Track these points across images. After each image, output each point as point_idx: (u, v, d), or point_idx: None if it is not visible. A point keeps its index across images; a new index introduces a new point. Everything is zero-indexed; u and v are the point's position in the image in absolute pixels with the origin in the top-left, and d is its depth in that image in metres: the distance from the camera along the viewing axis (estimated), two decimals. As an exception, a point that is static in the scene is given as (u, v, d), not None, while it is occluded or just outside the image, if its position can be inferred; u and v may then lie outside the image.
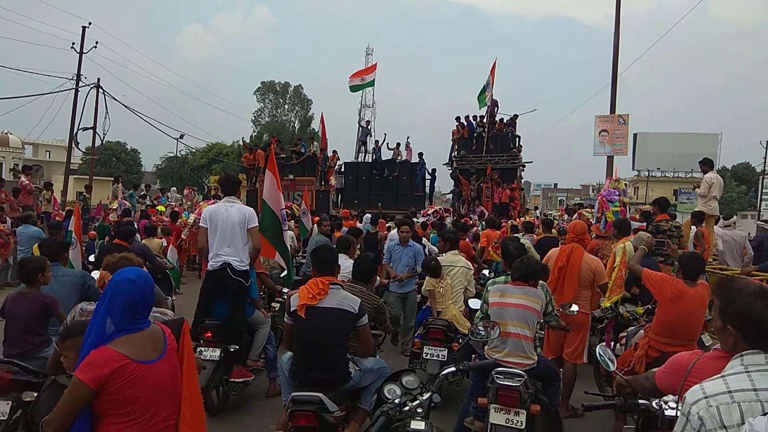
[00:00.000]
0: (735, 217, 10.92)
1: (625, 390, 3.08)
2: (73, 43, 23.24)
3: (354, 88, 23.35)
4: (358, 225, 12.97)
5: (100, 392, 2.05)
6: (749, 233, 11.72)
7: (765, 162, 44.06)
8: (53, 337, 3.85)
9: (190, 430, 2.26)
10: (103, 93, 23.65)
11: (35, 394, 3.38)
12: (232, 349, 4.92)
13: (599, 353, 3.27)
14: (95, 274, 4.69)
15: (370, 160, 23.39)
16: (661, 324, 4.24)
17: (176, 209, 14.24)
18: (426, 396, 3.19)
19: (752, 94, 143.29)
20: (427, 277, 5.90)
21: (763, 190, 46.27)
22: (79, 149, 25.46)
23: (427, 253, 8.14)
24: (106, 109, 23.62)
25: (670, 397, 2.64)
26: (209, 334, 4.87)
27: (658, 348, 4.19)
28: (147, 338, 2.20)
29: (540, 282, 4.28)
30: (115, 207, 14.57)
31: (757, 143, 44.25)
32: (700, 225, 8.61)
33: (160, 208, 14.83)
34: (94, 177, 25.81)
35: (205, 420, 2.44)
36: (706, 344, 5.11)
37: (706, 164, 9.16)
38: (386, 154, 22.40)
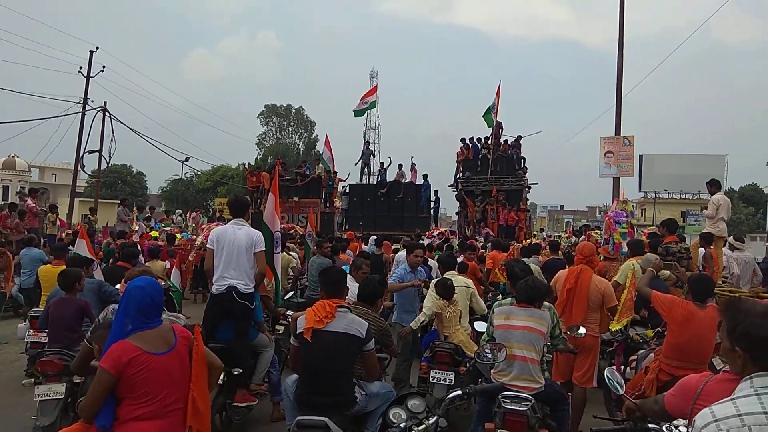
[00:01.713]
0: (745, 239, 10.84)
1: (634, 414, 3.01)
2: (81, 68, 23.76)
3: (358, 113, 23.58)
4: (364, 247, 12.96)
5: (119, 378, 2.48)
6: (755, 256, 11.60)
7: (772, 183, 43.84)
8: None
9: (195, 415, 2.63)
10: (110, 116, 24.05)
11: (84, 378, 4.06)
12: (235, 373, 4.85)
13: (608, 377, 3.21)
14: None
15: (374, 182, 23.48)
16: (671, 347, 4.18)
17: (174, 232, 14.21)
18: (432, 420, 3.14)
19: (758, 115, 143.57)
20: (434, 299, 5.84)
21: (772, 212, 46.04)
22: (85, 172, 25.79)
23: (433, 275, 8.10)
24: (113, 132, 24.04)
25: (680, 421, 2.58)
26: None
27: (669, 371, 4.12)
28: (158, 334, 2.63)
29: (547, 304, 4.23)
30: (135, 229, 14.70)
31: (764, 164, 44.13)
32: (708, 246, 8.53)
33: (154, 233, 14.81)
34: (99, 199, 26.01)
35: (210, 407, 2.83)
36: (717, 367, 5.01)
37: (714, 185, 9.12)
38: (391, 176, 22.46)
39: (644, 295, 4.75)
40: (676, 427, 2.65)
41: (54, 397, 4.27)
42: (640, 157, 41.75)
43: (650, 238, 8.41)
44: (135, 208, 17.66)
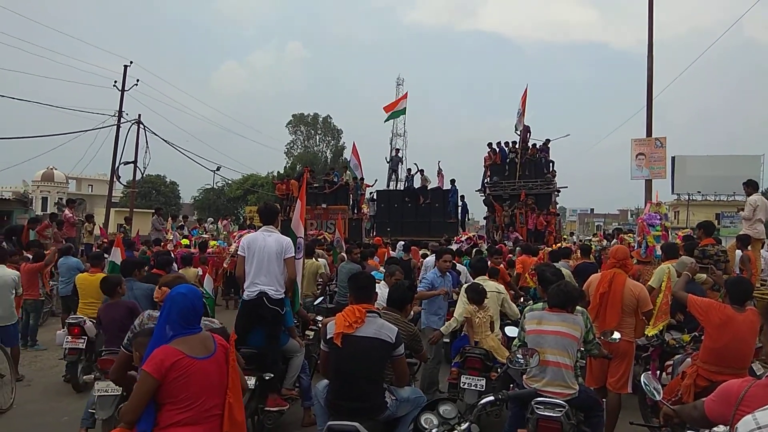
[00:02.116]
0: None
1: (672, 420, 2.94)
2: (115, 82, 24.40)
3: (393, 116, 23.85)
4: (392, 253, 12.97)
5: (162, 382, 2.50)
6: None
7: (811, 183, 42.39)
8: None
9: (232, 422, 2.66)
10: (144, 128, 24.61)
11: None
12: (266, 378, 4.91)
13: (644, 382, 3.15)
14: None
15: (402, 188, 23.49)
16: (709, 351, 4.07)
17: (207, 239, 14.46)
18: (464, 426, 3.12)
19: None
20: (465, 304, 5.81)
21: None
22: (120, 183, 26.37)
23: (462, 280, 8.06)
24: (147, 143, 24.58)
25: (721, 427, 2.50)
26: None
27: (707, 377, 4.02)
28: (199, 340, 2.69)
29: (580, 309, 4.17)
30: (170, 238, 15.02)
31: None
32: (745, 249, 8.30)
33: (185, 241, 15.05)
34: (134, 209, 26.65)
35: (244, 410, 2.87)
36: (757, 372, 4.86)
37: (751, 186, 8.87)
38: (418, 182, 22.48)
39: (680, 299, 4.64)
40: None
41: (112, 393, 4.50)
42: (672, 158, 40.87)
43: (685, 240, 8.22)
44: (170, 218, 18.00)
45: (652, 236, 8.29)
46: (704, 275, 5.99)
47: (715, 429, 2.59)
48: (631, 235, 13.89)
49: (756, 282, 8.00)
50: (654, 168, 15.31)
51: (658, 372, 5.25)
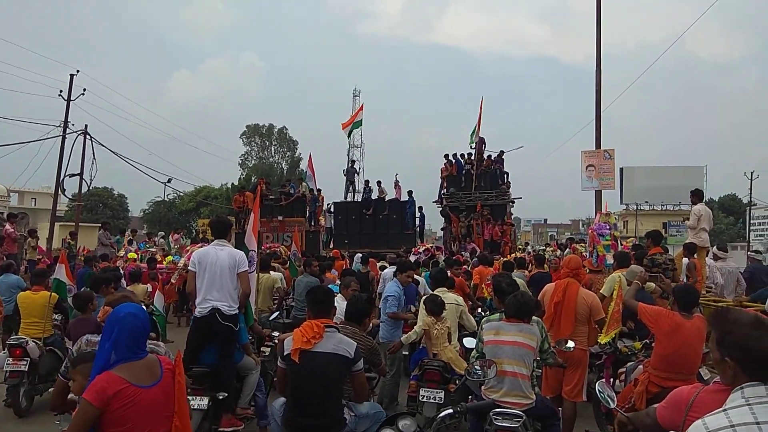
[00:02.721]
0: (728, 249, 10.97)
1: (626, 428, 2.99)
2: (61, 91, 23.51)
3: (351, 129, 23.89)
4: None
5: (104, 411, 2.37)
6: (738, 266, 11.75)
7: (751, 193, 44.79)
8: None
9: None
10: (91, 139, 23.79)
11: None
12: (220, 397, 4.75)
13: (599, 390, 3.20)
14: None
15: (359, 200, 23.44)
16: (659, 358, 4.18)
17: (156, 256, 13.95)
18: (423, 441, 3.07)
19: (735, 126, 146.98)
20: (424, 316, 5.80)
21: (751, 221, 46.88)
22: (65, 196, 25.40)
23: (421, 291, 8.06)
24: (93, 155, 23.74)
25: None
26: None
27: (658, 383, 4.11)
28: (145, 366, 2.52)
29: (535, 318, 4.21)
30: (121, 254, 14.46)
31: (742, 174, 45.12)
32: (692, 257, 8.63)
33: (132, 255, 14.55)
34: (80, 223, 25.60)
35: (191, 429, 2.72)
36: (705, 377, 5.03)
37: (696, 195, 9.27)
38: (376, 194, 22.48)
39: (630, 307, 4.76)
40: None
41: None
42: (621, 169, 42.39)
43: (634, 249, 8.48)
44: (128, 232, 17.30)
45: (602, 246, 8.53)
46: (653, 284, 6.18)
47: (651, 407, 2.65)
48: (583, 244, 14.26)
49: (702, 289, 8.33)
50: (603, 179, 15.78)
51: (612, 379, 5.36)
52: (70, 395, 3.35)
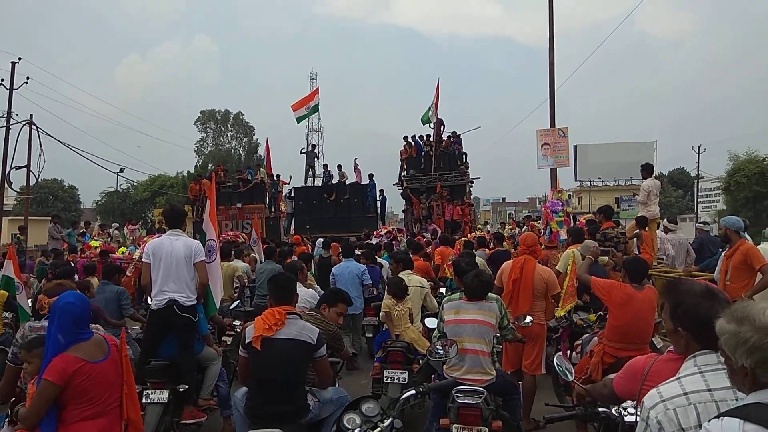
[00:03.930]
0: (678, 221, 11.39)
1: (584, 399, 3.08)
2: (2, 80, 22.37)
3: (300, 119, 23.22)
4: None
5: (65, 387, 2.71)
6: (687, 237, 12.24)
7: (698, 166, 46.56)
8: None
9: (130, 410, 2.98)
10: (37, 130, 22.74)
11: None
12: (181, 390, 4.66)
13: (557, 364, 3.28)
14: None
15: (319, 184, 23.25)
16: (613, 329, 4.31)
17: (106, 248, 13.47)
18: (387, 422, 3.11)
19: (683, 102, 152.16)
20: (385, 299, 5.82)
21: (699, 194, 48.81)
22: (12, 189, 24.23)
23: (384, 274, 8.12)
24: (41, 146, 22.68)
25: (629, 403, 2.65)
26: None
27: (613, 353, 4.25)
28: (94, 344, 2.88)
29: (494, 296, 4.29)
30: (79, 245, 13.91)
31: (690, 149, 46.86)
32: (643, 229, 8.93)
33: (94, 243, 14.08)
34: (30, 217, 24.59)
35: (138, 400, 3.18)
36: (657, 346, 5.24)
37: (645, 170, 9.57)
38: (337, 178, 22.36)
39: (584, 281, 4.89)
40: (625, 409, 2.73)
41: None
42: (575, 147, 43.31)
43: (588, 225, 8.71)
44: (55, 224, 16.46)
45: (555, 222, 8.70)
46: (605, 258, 6.36)
47: (623, 404, 2.75)
48: (540, 222, 14.56)
49: (653, 260, 8.64)
50: (558, 157, 16.05)
51: (569, 351, 5.52)
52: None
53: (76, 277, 8.17)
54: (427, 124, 21.89)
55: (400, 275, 6.26)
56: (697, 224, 12.53)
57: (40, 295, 4.42)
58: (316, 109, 23.64)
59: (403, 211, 23.78)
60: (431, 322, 5.25)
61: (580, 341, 5.32)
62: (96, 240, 14.45)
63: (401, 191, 21.96)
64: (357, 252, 8.75)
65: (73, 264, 9.91)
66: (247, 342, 3.44)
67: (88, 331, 2.89)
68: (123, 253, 13.58)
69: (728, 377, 1.65)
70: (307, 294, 5.85)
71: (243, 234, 16.34)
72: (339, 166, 22.36)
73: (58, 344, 2.76)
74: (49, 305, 4.14)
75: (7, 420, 3.76)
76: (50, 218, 16.86)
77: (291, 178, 23.17)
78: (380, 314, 5.89)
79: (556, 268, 6.35)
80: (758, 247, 5.99)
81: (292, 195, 22.57)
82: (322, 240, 13.61)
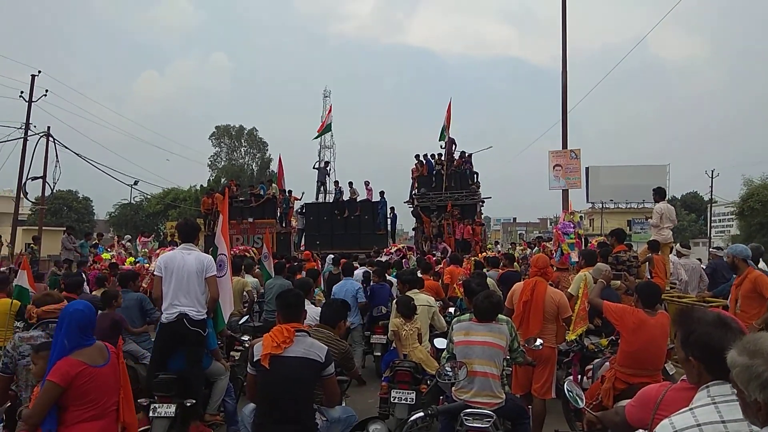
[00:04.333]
0: (691, 246, 11.27)
1: (595, 426, 3.03)
2: (22, 92, 22.81)
3: (318, 135, 23.86)
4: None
5: (67, 388, 2.89)
6: (700, 259, 12.09)
7: (712, 191, 46.19)
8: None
9: (126, 413, 3.16)
10: (54, 141, 23.11)
11: None
12: (188, 404, 4.65)
13: (567, 389, 3.24)
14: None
15: (330, 201, 23.36)
16: (625, 355, 4.25)
17: (115, 260, 13.55)
18: (394, 444, 3.07)
19: (696, 126, 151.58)
20: (392, 318, 5.80)
21: (712, 218, 48.33)
22: (28, 199, 24.62)
23: (394, 292, 8.10)
24: (57, 157, 23.03)
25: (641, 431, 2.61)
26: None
27: (624, 379, 4.19)
28: (96, 350, 3.08)
29: (504, 318, 4.25)
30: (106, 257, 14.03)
31: (704, 172, 46.54)
32: (655, 253, 8.85)
33: (105, 255, 14.17)
34: (44, 227, 24.86)
35: (133, 402, 3.39)
36: (670, 373, 5.15)
37: (658, 194, 9.49)
38: (346, 197, 22.44)
39: (596, 305, 4.84)
40: None
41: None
42: (587, 169, 43.16)
43: (600, 247, 8.65)
44: (68, 234, 16.60)
45: (566, 244, 8.64)
46: (618, 282, 6.30)
47: (618, 403, 2.70)
48: (551, 242, 14.47)
49: (666, 285, 8.54)
50: (570, 178, 16.02)
51: (580, 376, 5.44)
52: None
53: (87, 288, 8.23)
54: (441, 143, 22.01)
55: (408, 294, 6.23)
56: (710, 249, 12.38)
57: (29, 305, 4.59)
58: (329, 128, 23.96)
59: (413, 229, 23.77)
60: (440, 343, 5.20)
61: (591, 366, 5.25)
62: (108, 252, 14.54)
63: (412, 209, 21.99)
64: (359, 267, 8.81)
65: (84, 275, 9.94)
66: (255, 360, 3.43)
67: (91, 338, 3.09)
68: (131, 264, 13.65)
69: (741, 410, 1.61)
70: (314, 312, 5.85)
71: (252, 249, 16.41)
72: (350, 183, 22.47)
73: (63, 348, 2.96)
74: (37, 315, 4.50)
75: (2, 425, 4.02)
76: (64, 229, 17.03)
77: (303, 194, 23.31)
78: (389, 333, 5.86)
79: (569, 291, 6.29)
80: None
81: (303, 211, 22.67)
82: (332, 256, 13.62)
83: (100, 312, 5.63)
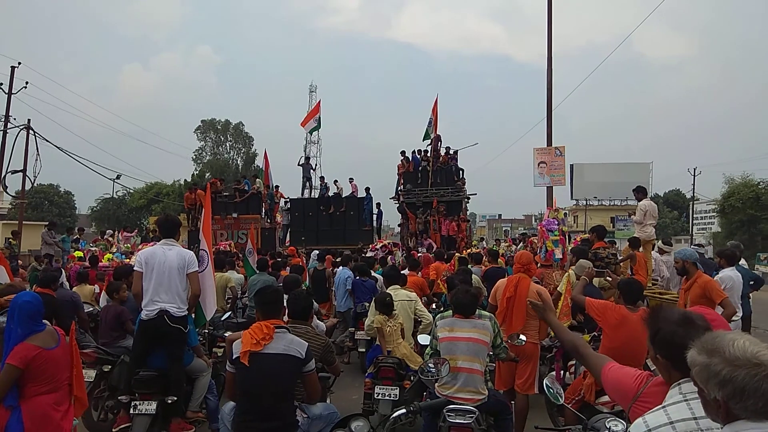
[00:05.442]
0: (673, 243, 11.40)
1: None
2: (1, 84, 22.37)
3: (312, 130, 23.71)
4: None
5: (24, 370, 3.27)
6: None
7: (694, 188, 46.83)
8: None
9: (78, 387, 3.59)
10: (34, 134, 22.72)
11: (110, 367, 5.40)
12: (169, 401, 4.61)
13: (547, 386, 3.25)
14: None
15: (315, 196, 23.28)
16: (607, 351, 4.26)
17: (96, 254, 13.35)
18: (376, 441, 3.06)
19: (680, 124, 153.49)
20: (375, 315, 5.79)
21: (694, 216, 49.01)
22: (7, 193, 24.19)
23: (379, 288, 8.09)
24: (37, 150, 22.65)
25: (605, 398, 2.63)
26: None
27: (606, 375, 4.21)
28: (47, 334, 3.45)
29: (487, 314, 4.26)
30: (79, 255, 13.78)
31: (686, 170, 47.17)
32: (636, 250, 8.93)
33: (78, 254, 13.92)
34: (24, 222, 24.46)
35: (83, 377, 3.91)
36: (652, 368, 5.19)
37: (640, 192, 9.57)
38: (333, 190, 22.37)
39: (578, 302, 4.87)
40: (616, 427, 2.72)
41: (87, 380, 4.84)
42: (571, 166, 43.59)
43: (583, 244, 8.70)
44: (48, 229, 16.29)
45: (550, 241, 8.67)
46: (601, 279, 6.34)
47: (613, 422, 2.73)
48: (537, 238, 14.54)
49: (647, 282, 8.62)
50: (554, 175, 16.11)
51: (562, 372, 5.47)
52: None
53: (67, 284, 8.10)
54: (427, 140, 22.03)
55: (387, 290, 6.23)
56: (692, 246, 12.56)
57: None
58: (319, 124, 23.92)
59: (399, 225, 23.76)
60: (424, 339, 5.20)
61: (574, 362, 5.28)
62: (80, 251, 14.24)
63: (398, 205, 21.99)
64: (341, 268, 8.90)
65: (63, 271, 9.78)
66: (234, 357, 3.39)
67: (41, 324, 3.45)
68: (109, 260, 13.43)
69: (702, 408, 1.61)
70: (321, 328, 5.83)
71: (230, 243, 16.26)
72: (335, 181, 22.40)
73: (17, 335, 3.33)
74: (0, 304, 4.77)
75: None
76: (46, 224, 16.75)
77: (276, 187, 23.07)
78: (369, 331, 5.86)
79: (558, 289, 6.32)
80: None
81: (289, 206, 22.54)
82: (317, 252, 13.56)
83: (108, 303, 6.12)
